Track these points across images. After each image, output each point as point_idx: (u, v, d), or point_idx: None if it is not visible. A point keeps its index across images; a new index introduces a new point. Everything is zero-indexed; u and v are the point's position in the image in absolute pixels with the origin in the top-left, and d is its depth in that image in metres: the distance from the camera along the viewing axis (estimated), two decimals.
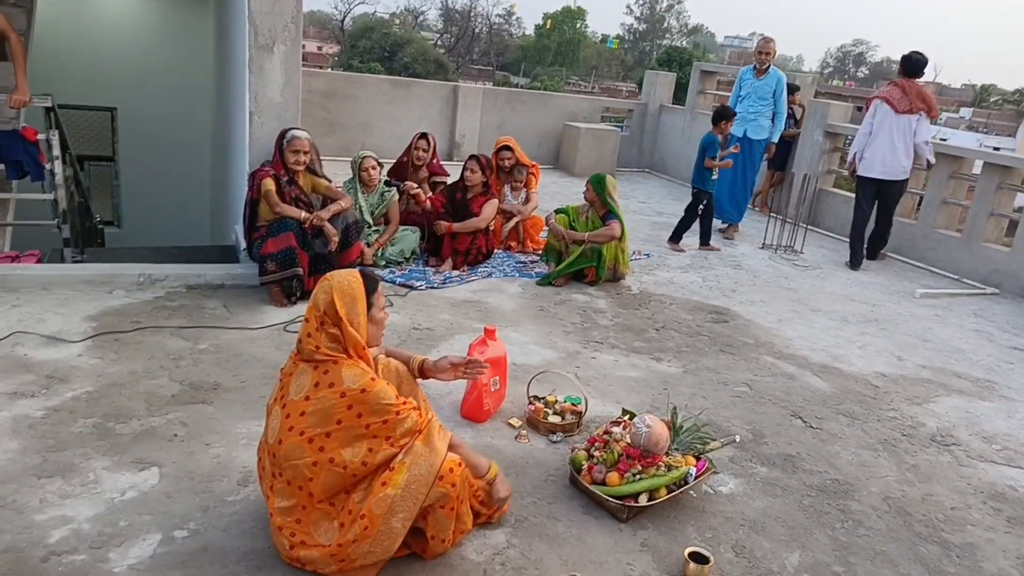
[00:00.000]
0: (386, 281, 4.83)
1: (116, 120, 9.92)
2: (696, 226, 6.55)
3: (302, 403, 2.10)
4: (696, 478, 2.70)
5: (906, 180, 6.44)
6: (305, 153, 4.33)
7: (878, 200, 6.50)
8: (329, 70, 30.21)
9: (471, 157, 5.33)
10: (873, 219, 6.63)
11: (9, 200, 5.92)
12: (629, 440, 2.73)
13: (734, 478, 2.96)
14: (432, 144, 5.72)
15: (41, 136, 5.04)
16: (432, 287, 4.81)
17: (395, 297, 4.55)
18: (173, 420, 2.95)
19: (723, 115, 6.41)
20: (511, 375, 3.41)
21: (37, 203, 5.58)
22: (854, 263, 6.55)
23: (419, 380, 2.57)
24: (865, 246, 6.67)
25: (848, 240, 6.74)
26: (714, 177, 6.40)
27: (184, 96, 9.56)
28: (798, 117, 8.35)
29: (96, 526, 2.31)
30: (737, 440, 3.04)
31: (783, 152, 8.33)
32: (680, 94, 11.10)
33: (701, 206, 6.46)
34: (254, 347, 3.69)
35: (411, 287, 4.76)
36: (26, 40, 6.02)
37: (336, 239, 4.29)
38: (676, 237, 6.52)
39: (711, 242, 6.61)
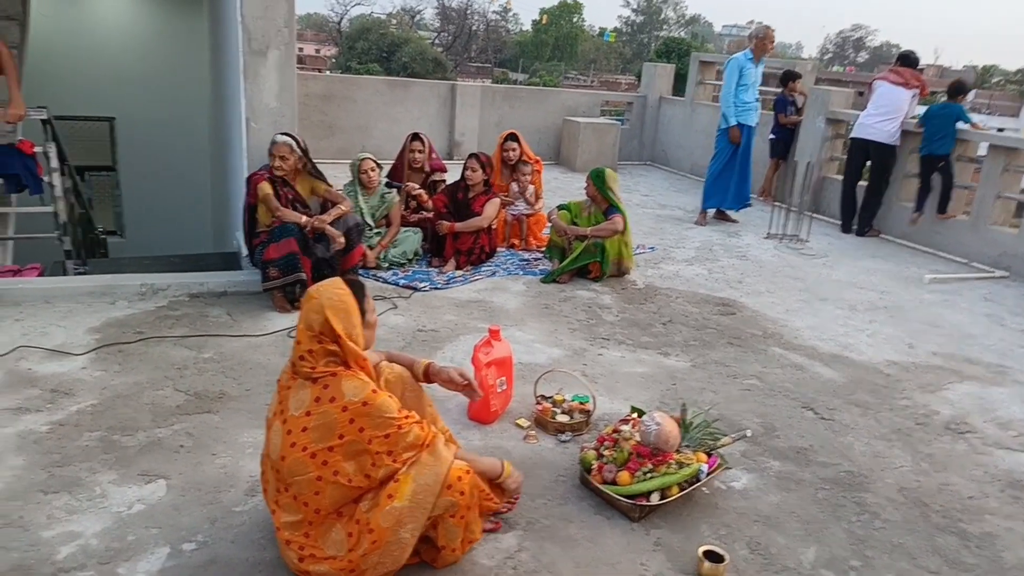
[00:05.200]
0: (389, 283, 4.80)
1: (115, 130, 9.92)
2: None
3: (303, 419, 2.05)
4: (708, 475, 2.66)
5: (895, 149, 6.91)
6: (283, 159, 4.25)
7: (870, 168, 7.09)
8: (327, 72, 30.22)
9: (471, 156, 5.29)
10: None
11: (9, 214, 5.92)
12: (639, 438, 2.69)
13: (747, 473, 2.92)
14: (427, 143, 5.68)
15: (38, 149, 5.03)
16: (436, 288, 4.78)
17: (399, 299, 4.52)
18: (179, 431, 2.93)
19: (966, 87, 6.83)
20: (517, 374, 3.37)
21: (37, 216, 5.57)
22: (845, 227, 7.30)
23: (423, 384, 2.53)
24: (855, 218, 7.23)
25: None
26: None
27: (182, 103, 9.55)
28: (800, 105, 8.27)
29: (104, 541, 2.29)
30: (748, 435, 2.99)
31: (785, 140, 8.27)
32: (680, 85, 11.03)
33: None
34: (258, 354, 3.67)
35: (415, 288, 4.72)
36: (20, 53, 6.01)
37: (341, 239, 4.26)
38: (944, 207, 6.70)
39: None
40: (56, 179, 5.17)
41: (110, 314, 4.03)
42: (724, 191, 7.07)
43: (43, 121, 5.31)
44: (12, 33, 5.96)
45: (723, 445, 2.80)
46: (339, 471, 2.04)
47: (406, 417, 2.10)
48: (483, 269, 5.18)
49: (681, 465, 2.61)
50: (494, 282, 5.00)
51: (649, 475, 2.56)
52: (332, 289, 2.11)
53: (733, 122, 6.87)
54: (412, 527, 2.05)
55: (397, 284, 4.79)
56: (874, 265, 6.19)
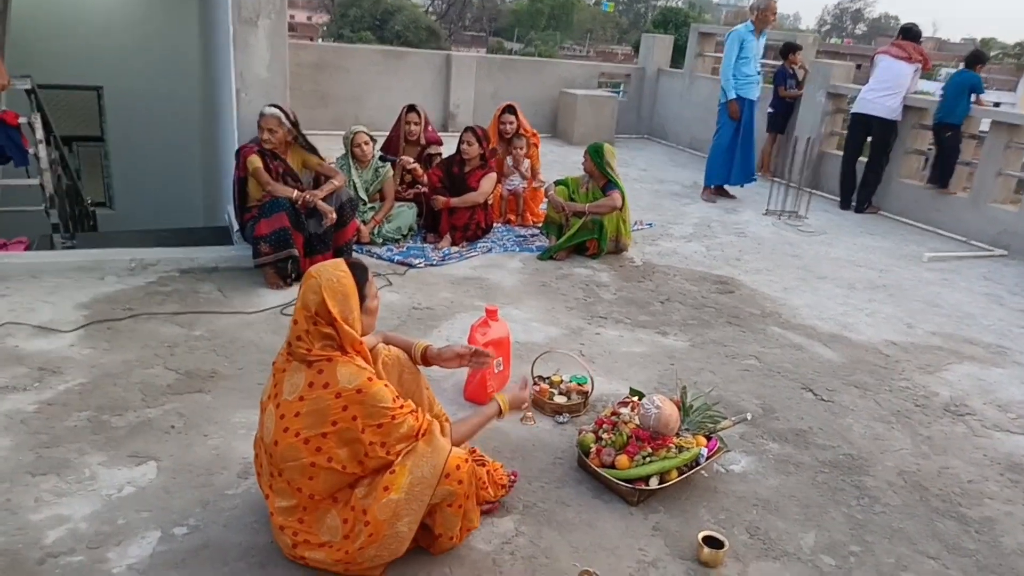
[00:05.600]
0: (384, 259, 4.73)
1: (103, 99, 9.70)
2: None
3: (296, 403, 1.99)
4: (707, 458, 2.63)
5: (896, 124, 6.82)
6: (271, 131, 4.14)
7: (871, 144, 7.01)
8: (319, 40, 29.72)
9: (467, 129, 5.18)
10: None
11: None
12: (638, 422, 2.65)
13: (746, 456, 2.89)
14: (423, 115, 5.56)
15: (23, 119, 4.89)
16: (431, 264, 4.71)
17: (394, 276, 4.46)
18: (169, 411, 2.88)
19: (984, 57, 6.85)
20: (514, 354, 3.33)
21: (23, 189, 5.44)
22: (844, 204, 7.23)
23: (421, 366, 2.48)
24: (854, 194, 7.16)
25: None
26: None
27: (171, 73, 9.33)
28: (800, 78, 8.16)
29: (93, 525, 2.24)
30: (749, 418, 2.95)
31: (783, 114, 8.17)
32: (678, 57, 10.86)
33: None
34: (250, 332, 3.60)
35: (410, 265, 4.65)
36: (3, 20, 5.83)
37: (333, 215, 4.17)
38: (945, 181, 6.69)
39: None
40: (42, 151, 5.05)
41: (99, 290, 3.95)
42: (728, 167, 6.99)
43: (27, 91, 5.18)
44: None
45: (723, 428, 2.77)
46: (332, 457, 1.99)
47: (400, 407, 2.04)
48: (479, 245, 5.11)
49: (681, 449, 2.57)
50: (490, 259, 4.93)
51: (648, 459, 2.53)
52: (333, 271, 2.03)
53: (732, 96, 6.75)
54: (409, 520, 2.01)
55: (392, 260, 4.72)
56: (873, 242, 6.14)
